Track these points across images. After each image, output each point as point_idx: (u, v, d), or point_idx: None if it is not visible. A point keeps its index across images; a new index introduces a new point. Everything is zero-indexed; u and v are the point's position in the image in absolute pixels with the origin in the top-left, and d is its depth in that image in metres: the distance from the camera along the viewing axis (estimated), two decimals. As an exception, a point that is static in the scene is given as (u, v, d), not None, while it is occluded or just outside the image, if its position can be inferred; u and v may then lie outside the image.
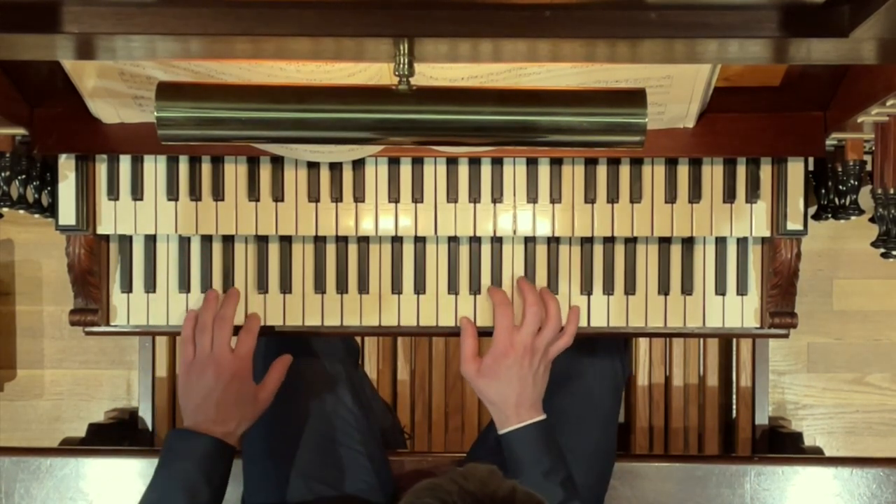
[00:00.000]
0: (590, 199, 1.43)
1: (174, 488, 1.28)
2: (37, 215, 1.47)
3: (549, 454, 1.33)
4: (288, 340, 1.49)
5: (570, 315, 1.41)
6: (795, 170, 1.42)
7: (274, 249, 1.47)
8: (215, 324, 1.39)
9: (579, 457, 1.41)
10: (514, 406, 1.35)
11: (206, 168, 1.44)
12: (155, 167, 1.44)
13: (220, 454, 1.31)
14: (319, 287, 1.46)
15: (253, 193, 1.43)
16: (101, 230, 1.44)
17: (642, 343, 2.15)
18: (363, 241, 1.46)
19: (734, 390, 2.18)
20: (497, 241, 1.46)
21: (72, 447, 1.96)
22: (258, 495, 1.44)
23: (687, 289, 1.46)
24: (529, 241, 1.46)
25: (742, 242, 1.47)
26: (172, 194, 1.44)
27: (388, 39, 0.97)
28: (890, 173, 1.18)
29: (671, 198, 1.43)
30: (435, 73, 1.20)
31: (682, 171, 1.43)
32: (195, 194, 1.44)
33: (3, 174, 1.35)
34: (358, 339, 1.77)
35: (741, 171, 1.43)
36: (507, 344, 1.36)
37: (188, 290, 1.47)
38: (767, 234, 1.44)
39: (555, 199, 1.43)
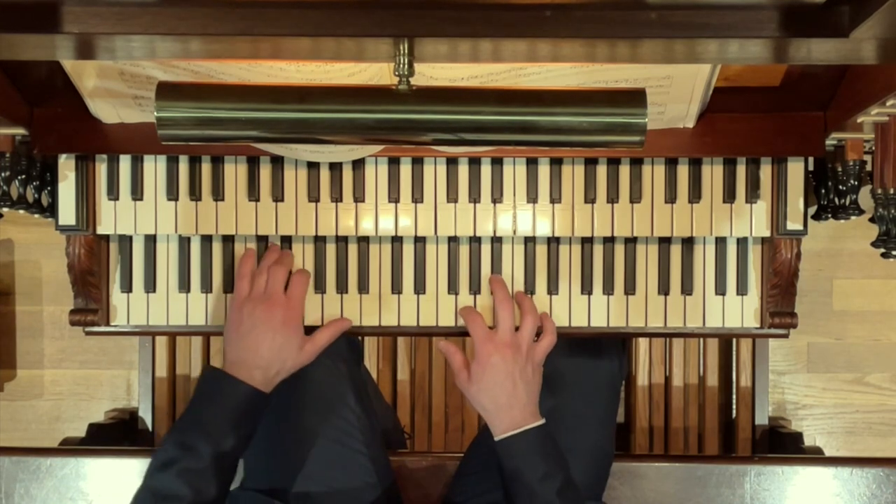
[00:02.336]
0: (590, 199, 1.43)
1: (203, 428, 1.26)
2: (37, 215, 1.47)
3: (545, 460, 1.31)
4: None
5: (543, 317, 1.41)
6: (795, 170, 1.42)
7: (274, 249, 1.47)
8: (272, 267, 1.39)
9: (577, 456, 1.41)
10: (507, 408, 1.33)
11: (206, 168, 1.44)
12: (155, 167, 1.44)
13: (253, 404, 1.30)
14: (319, 287, 1.46)
15: (253, 193, 1.43)
16: (101, 230, 1.44)
17: (642, 343, 2.15)
18: (363, 241, 1.46)
19: (734, 390, 2.18)
20: (497, 241, 1.46)
21: (72, 447, 1.96)
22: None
23: (687, 289, 1.46)
24: (529, 241, 1.46)
25: (742, 242, 1.47)
26: (172, 194, 1.44)
27: (388, 39, 0.97)
28: (890, 173, 1.18)
29: (671, 198, 1.43)
30: (435, 73, 1.20)
31: (682, 171, 1.43)
32: (195, 194, 1.44)
33: (3, 174, 1.35)
34: (358, 338, 1.77)
35: (741, 171, 1.44)
36: (487, 346, 1.35)
37: (188, 290, 1.47)
38: (767, 234, 1.44)
39: (555, 199, 1.43)
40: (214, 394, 1.29)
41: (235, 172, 1.44)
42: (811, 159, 1.47)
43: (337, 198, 1.43)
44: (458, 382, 1.39)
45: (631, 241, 1.47)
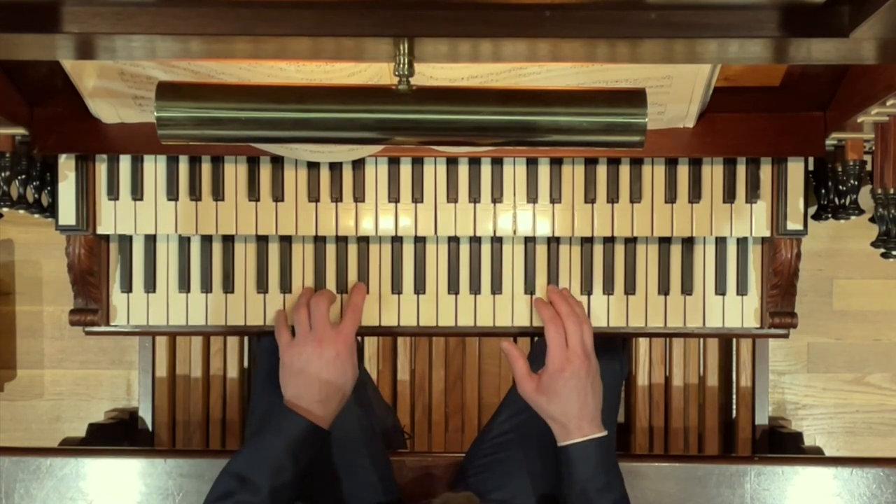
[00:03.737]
0: (590, 199, 1.43)
1: (261, 461, 1.26)
2: (37, 215, 1.47)
3: (606, 472, 1.33)
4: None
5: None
6: (795, 170, 1.42)
7: (274, 249, 1.47)
8: (312, 302, 1.38)
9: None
10: (576, 419, 1.33)
11: (206, 168, 1.44)
12: (155, 167, 1.44)
13: (312, 438, 1.30)
14: (320, 287, 1.46)
15: (253, 193, 1.43)
16: (101, 230, 1.44)
17: (642, 343, 2.15)
18: (363, 241, 1.46)
19: (734, 390, 2.18)
20: (497, 241, 1.46)
21: (72, 447, 1.96)
22: None
23: (687, 289, 1.46)
24: (529, 241, 1.46)
25: (742, 242, 1.47)
26: (172, 194, 1.44)
27: (388, 39, 0.97)
28: (890, 173, 1.18)
29: (671, 198, 1.43)
30: (435, 73, 1.20)
31: (682, 171, 1.43)
32: (195, 194, 1.44)
33: (3, 174, 1.35)
34: (358, 338, 1.77)
35: (741, 171, 1.44)
36: (562, 359, 1.35)
37: (188, 290, 1.47)
38: (767, 234, 1.44)
39: (555, 199, 1.43)
40: (275, 428, 1.29)
41: (235, 172, 1.44)
42: (811, 159, 1.47)
43: (337, 198, 1.43)
44: (522, 390, 1.38)
45: (631, 241, 1.47)
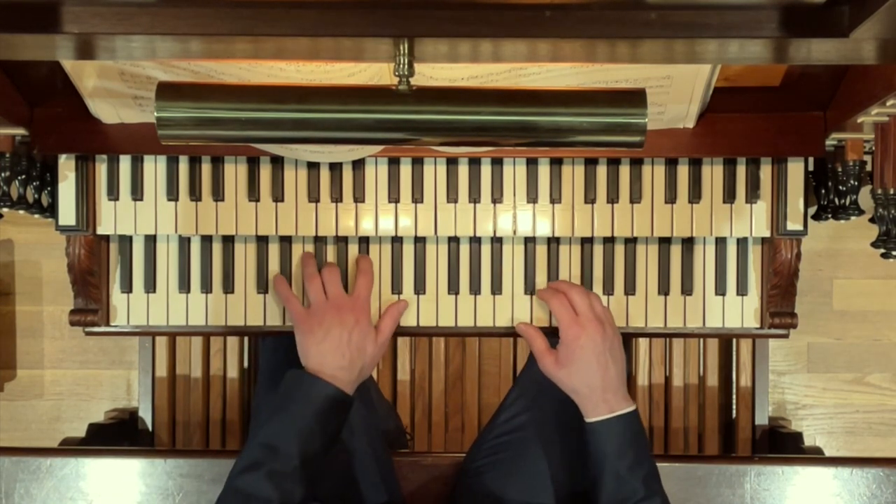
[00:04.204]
0: (590, 199, 1.43)
1: (290, 429, 1.25)
2: (37, 215, 1.47)
3: (635, 448, 1.31)
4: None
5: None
6: (795, 170, 1.42)
7: (274, 249, 1.47)
8: (324, 271, 1.39)
9: (581, 455, 1.41)
10: (601, 391, 1.31)
11: (206, 168, 1.44)
12: (155, 167, 1.44)
13: (339, 405, 1.29)
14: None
15: (253, 193, 1.43)
16: (101, 230, 1.44)
17: (642, 343, 2.15)
18: (363, 241, 1.46)
19: (734, 390, 2.18)
20: (497, 241, 1.46)
21: (72, 447, 1.96)
22: None
23: (687, 289, 1.47)
24: (529, 242, 1.46)
25: (742, 242, 1.47)
26: (172, 194, 1.44)
27: (388, 39, 0.97)
28: (890, 173, 1.18)
29: (671, 198, 1.43)
30: (435, 73, 1.20)
31: (682, 171, 1.43)
32: (195, 194, 1.44)
33: (3, 174, 1.35)
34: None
35: (741, 171, 1.44)
36: (574, 327, 1.33)
37: (188, 290, 1.47)
38: (767, 234, 1.44)
39: (555, 199, 1.43)
40: (301, 396, 1.28)
41: (235, 172, 1.44)
42: (811, 159, 1.47)
43: (337, 198, 1.43)
44: (543, 367, 1.37)
45: (631, 242, 1.47)
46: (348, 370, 1.32)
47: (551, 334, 1.41)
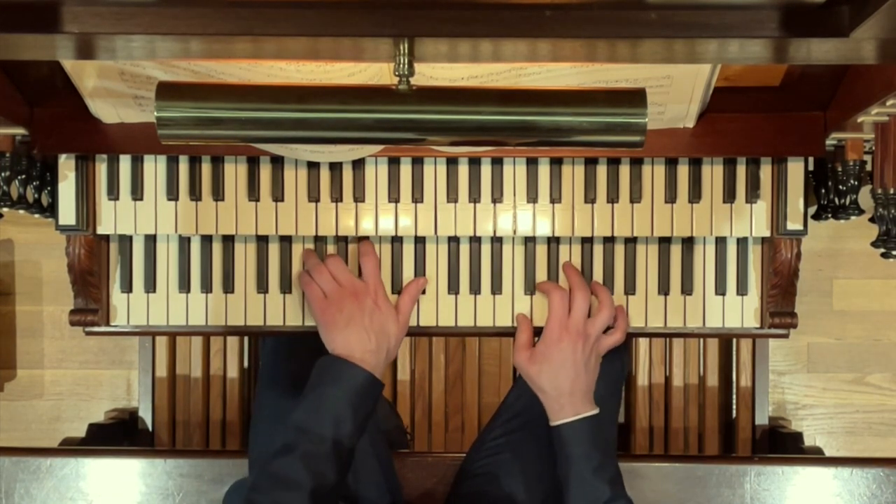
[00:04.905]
0: (590, 199, 1.43)
1: (322, 412, 1.26)
2: (37, 215, 1.47)
3: (599, 450, 1.33)
4: (298, 339, 1.49)
5: (619, 311, 1.42)
6: (795, 170, 1.42)
7: (274, 249, 1.47)
8: (327, 261, 1.39)
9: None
10: (568, 395, 1.33)
11: (206, 168, 1.44)
12: (155, 167, 1.44)
13: (370, 388, 1.30)
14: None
15: (253, 193, 1.43)
16: (101, 230, 1.44)
17: (642, 343, 2.15)
18: (363, 240, 1.46)
19: (734, 390, 2.18)
20: (497, 241, 1.46)
21: (72, 447, 1.96)
22: None
23: (687, 289, 1.47)
24: (529, 241, 1.46)
25: (742, 242, 1.47)
26: (172, 194, 1.44)
27: (388, 39, 0.97)
28: (890, 173, 1.18)
29: (671, 198, 1.43)
30: (435, 73, 1.20)
31: (682, 171, 1.43)
32: (195, 194, 1.44)
33: (3, 174, 1.35)
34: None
35: (741, 171, 1.44)
36: (560, 328, 1.36)
37: (188, 290, 1.47)
38: (767, 234, 1.44)
39: (555, 199, 1.43)
40: (333, 379, 1.29)
41: (235, 172, 1.44)
42: (811, 159, 1.47)
43: (337, 198, 1.43)
44: (517, 360, 1.39)
45: (631, 241, 1.47)
46: (375, 353, 1.32)
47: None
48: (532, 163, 1.43)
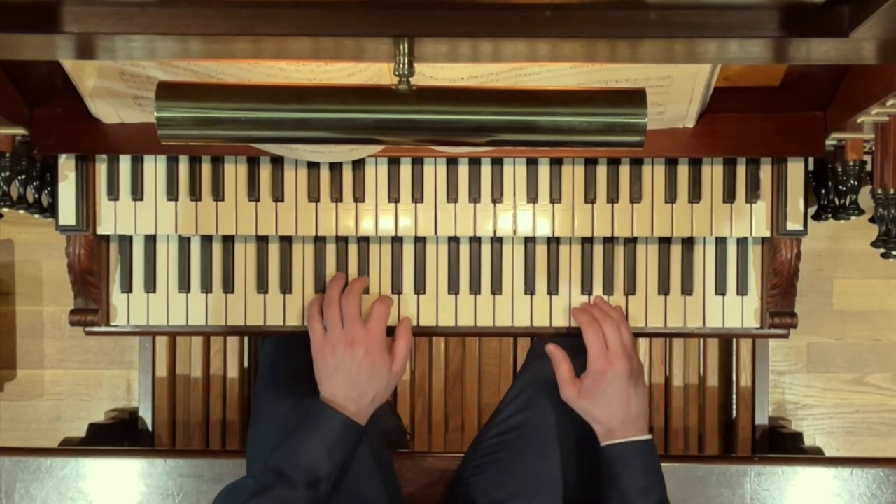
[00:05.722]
0: (590, 199, 1.43)
1: (301, 457, 1.28)
2: (37, 215, 1.47)
3: (647, 474, 1.33)
4: (298, 339, 1.49)
5: (617, 312, 1.44)
6: (795, 170, 1.42)
7: (274, 249, 1.47)
8: (343, 299, 1.39)
9: (579, 454, 1.41)
10: (620, 421, 1.34)
11: (206, 168, 1.44)
12: (155, 167, 1.44)
13: (346, 434, 1.31)
14: (320, 287, 1.46)
15: (253, 193, 1.43)
16: (101, 230, 1.44)
17: (642, 343, 2.15)
18: (363, 241, 1.46)
19: (734, 390, 2.18)
20: (497, 241, 1.46)
21: (72, 447, 1.96)
22: None
23: (687, 289, 1.47)
24: (529, 241, 1.46)
25: (742, 242, 1.47)
26: (172, 194, 1.44)
27: (388, 39, 0.97)
28: (890, 173, 1.18)
29: (671, 198, 1.43)
30: (435, 73, 1.20)
31: (682, 171, 1.43)
32: (195, 194, 1.44)
33: (3, 174, 1.35)
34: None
35: (741, 171, 1.44)
36: (603, 362, 1.36)
37: (188, 290, 1.47)
38: (767, 234, 1.44)
39: (555, 199, 1.43)
40: (312, 423, 1.31)
41: (235, 172, 1.44)
42: (811, 159, 1.47)
43: (337, 198, 1.43)
44: (566, 394, 1.39)
45: (631, 241, 1.47)
46: (356, 401, 1.33)
47: (564, 335, 1.44)
48: (532, 163, 1.43)
